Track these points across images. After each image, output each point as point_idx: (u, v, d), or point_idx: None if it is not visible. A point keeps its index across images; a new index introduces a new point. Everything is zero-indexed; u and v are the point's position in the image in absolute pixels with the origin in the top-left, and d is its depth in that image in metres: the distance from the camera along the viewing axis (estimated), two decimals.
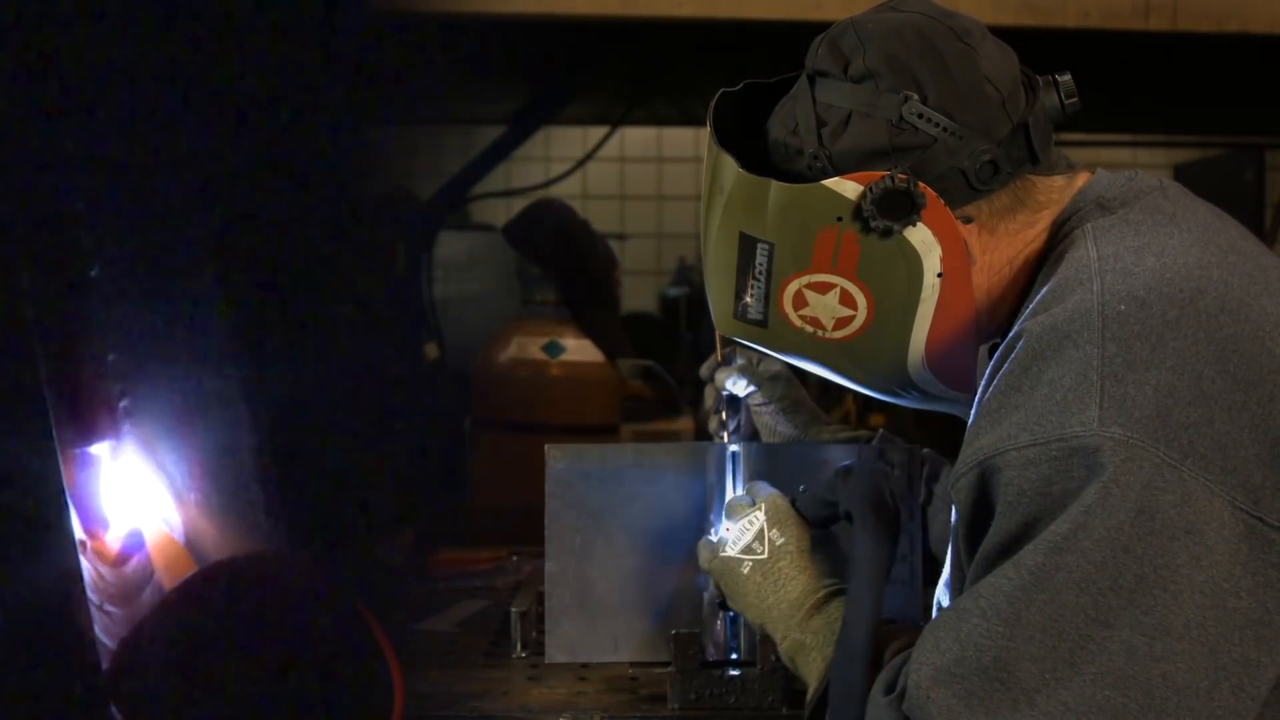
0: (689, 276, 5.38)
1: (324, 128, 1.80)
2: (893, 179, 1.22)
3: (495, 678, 1.74)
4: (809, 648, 1.33)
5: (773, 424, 1.73)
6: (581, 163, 4.43)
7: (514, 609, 1.83)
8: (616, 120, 4.28)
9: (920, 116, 1.23)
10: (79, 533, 1.39)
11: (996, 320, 1.32)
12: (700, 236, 1.37)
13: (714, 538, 1.47)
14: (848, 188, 1.24)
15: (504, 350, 3.40)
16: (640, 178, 6.04)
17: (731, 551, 1.41)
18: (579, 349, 3.38)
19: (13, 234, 1.31)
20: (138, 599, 1.45)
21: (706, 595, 1.58)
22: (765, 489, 1.46)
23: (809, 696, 1.32)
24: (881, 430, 1.73)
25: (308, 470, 1.72)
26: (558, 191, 4.58)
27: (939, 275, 1.26)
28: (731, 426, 1.70)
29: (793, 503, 1.43)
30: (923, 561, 1.63)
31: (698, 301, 4.97)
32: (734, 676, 1.59)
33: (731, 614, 1.57)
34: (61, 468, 1.30)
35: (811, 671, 1.32)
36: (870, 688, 1.20)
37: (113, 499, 1.48)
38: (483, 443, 3.43)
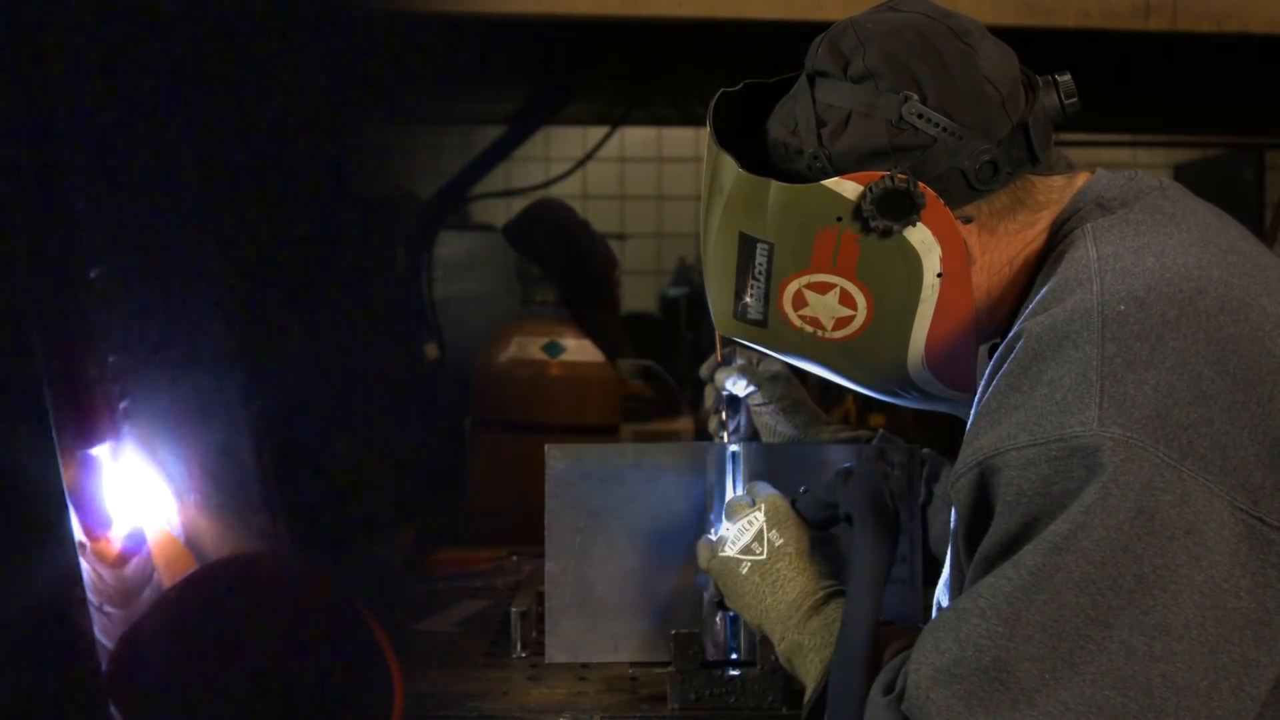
0: (689, 276, 5.38)
1: (324, 128, 1.80)
2: (892, 179, 1.22)
3: (495, 678, 1.74)
4: (807, 649, 1.33)
5: (773, 424, 1.73)
6: (581, 163, 4.43)
7: (514, 609, 1.83)
8: (616, 120, 4.28)
9: (920, 116, 1.23)
10: (79, 534, 1.39)
11: (996, 320, 1.32)
12: (700, 236, 1.37)
13: (713, 537, 1.47)
14: (847, 188, 1.24)
15: (504, 350, 3.40)
16: (640, 178, 6.04)
17: (730, 552, 1.41)
18: (579, 349, 3.38)
19: (13, 235, 1.31)
20: (137, 600, 1.45)
21: (706, 595, 1.58)
22: (765, 489, 1.46)
23: (807, 698, 1.32)
24: (881, 430, 1.73)
25: (308, 470, 1.72)
26: (558, 191, 4.58)
27: (939, 275, 1.26)
28: (731, 426, 1.71)
29: (792, 504, 1.43)
30: (923, 561, 1.63)
31: (698, 301, 4.97)
32: (734, 676, 1.59)
33: (731, 614, 1.57)
34: (61, 469, 1.30)
35: (809, 673, 1.32)
36: (869, 689, 1.20)
37: (113, 500, 1.48)
38: (483, 443, 3.43)
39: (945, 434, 1.47)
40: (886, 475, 1.40)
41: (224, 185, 1.61)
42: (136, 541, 1.49)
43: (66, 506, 1.30)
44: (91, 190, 1.44)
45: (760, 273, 1.30)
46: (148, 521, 1.52)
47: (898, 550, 1.36)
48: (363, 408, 1.95)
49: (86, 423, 1.43)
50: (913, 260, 1.26)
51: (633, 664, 1.68)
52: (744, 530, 1.41)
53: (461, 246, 4.21)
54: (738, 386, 1.71)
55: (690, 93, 3.79)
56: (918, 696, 1.11)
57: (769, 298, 1.31)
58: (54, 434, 1.29)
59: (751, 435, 1.74)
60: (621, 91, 3.88)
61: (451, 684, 1.71)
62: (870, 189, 1.22)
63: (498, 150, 3.75)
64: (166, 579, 1.50)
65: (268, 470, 1.61)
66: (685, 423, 3.86)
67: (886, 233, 1.24)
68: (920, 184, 1.22)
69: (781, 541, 1.40)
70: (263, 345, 1.65)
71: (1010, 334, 1.19)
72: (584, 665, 1.73)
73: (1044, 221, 1.29)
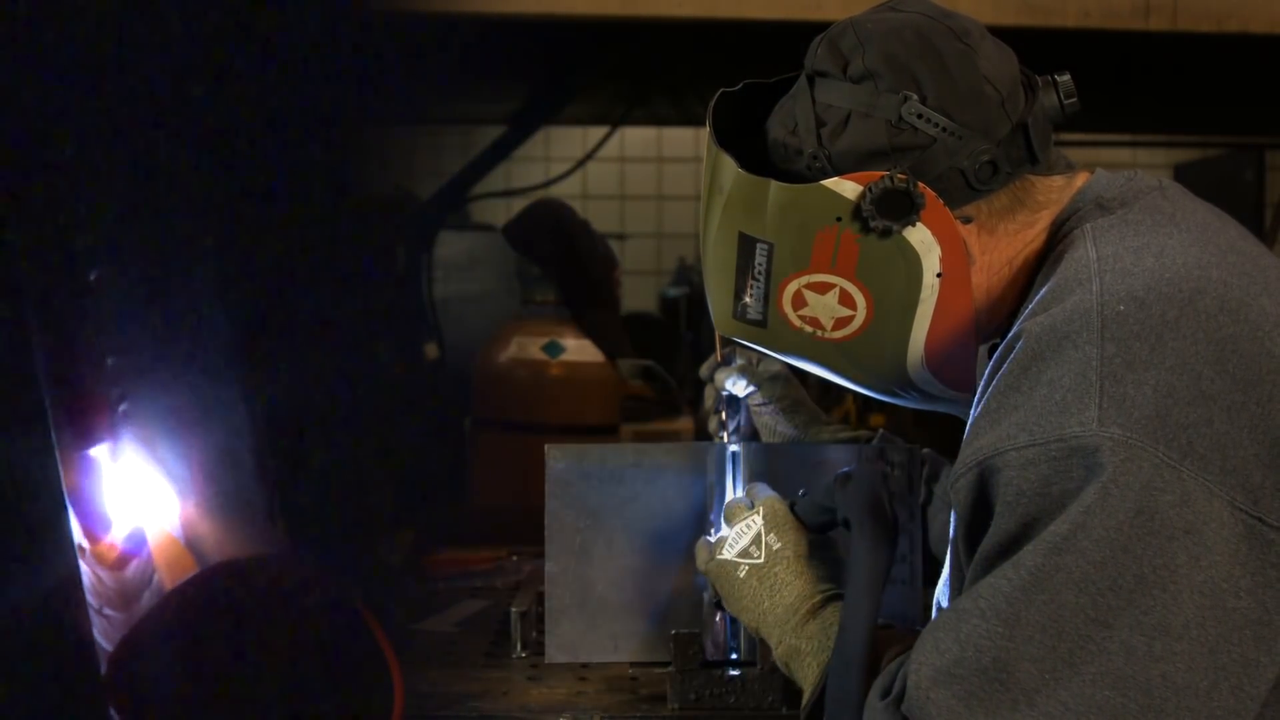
0: (689, 276, 5.38)
1: (324, 128, 1.80)
2: (892, 179, 1.22)
3: (495, 678, 1.74)
4: (804, 653, 1.33)
5: (773, 424, 1.73)
6: (581, 163, 4.43)
7: (514, 609, 1.83)
8: (616, 120, 4.27)
9: (919, 117, 1.23)
10: (79, 537, 1.39)
11: (996, 320, 1.32)
12: (700, 237, 1.37)
13: (712, 538, 1.47)
14: (847, 188, 1.24)
15: (504, 350, 3.40)
16: (640, 178, 6.04)
17: (728, 555, 1.41)
18: (579, 349, 3.38)
19: (13, 237, 1.31)
20: (137, 603, 1.45)
21: (706, 595, 1.58)
22: (764, 492, 1.45)
23: (804, 702, 1.32)
24: (881, 430, 1.73)
25: (308, 470, 1.72)
26: (558, 191, 4.58)
27: (938, 275, 1.26)
28: (731, 426, 1.71)
29: (791, 507, 1.43)
30: (923, 561, 1.63)
31: (698, 301, 4.97)
32: (734, 676, 1.59)
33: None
34: (61, 472, 1.30)
35: (806, 677, 1.32)
36: (867, 693, 1.20)
37: (113, 502, 1.48)
38: (483, 443, 3.43)
39: (945, 434, 1.47)
40: (886, 476, 1.40)
41: (224, 186, 1.61)
42: (136, 543, 1.49)
43: (66, 509, 1.30)
44: (91, 192, 1.44)
45: (760, 273, 1.30)
46: (148, 523, 1.52)
47: (897, 551, 1.36)
48: (363, 408, 1.95)
49: (86, 425, 1.43)
50: (912, 260, 1.26)
51: (633, 664, 1.68)
52: (742, 534, 1.41)
53: (461, 246, 4.21)
54: (738, 386, 1.71)
55: (690, 93, 3.79)
56: (918, 697, 1.11)
57: (768, 298, 1.31)
58: (53, 436, 1.29)
59: (751, 435, 1.74)
60: (621, 91, 3.88)
61: (451, 684, 1.71)
62: (870, 189, 1.23)
63: (498, 150, 3.75)
64: (167, 580, 1.50)
65: (268, 471, 1.61)
66: (685, 423, 3.86)
67: (886, 233, 1.24)
68: (920, 184, 1.22)
69: (779, 545, 1.39)
70: (262, 346, 1.65)
71: (1010, 334, 1.19)
72: (584, 665, 1.73)
73: (1043, 221, 1.29)
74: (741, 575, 1.40)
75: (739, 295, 1.33)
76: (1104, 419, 1.07)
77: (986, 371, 1.21)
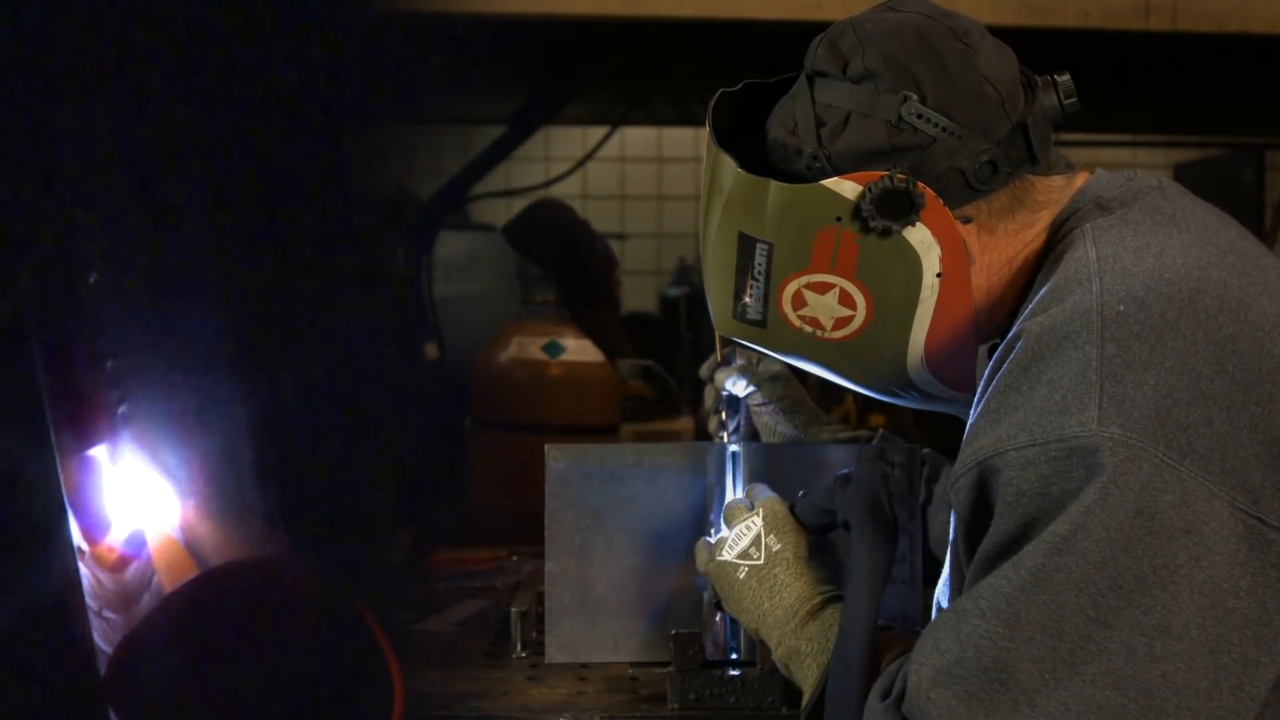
0: (689, 276, 5.38)
1: (324, 128, 1.79)
2: (892, 179, 1.22)
3: (495, 678, 1.74)
4: (803, 654, 1.33)
5: (773, 424, 1.73)
6: (581, 163, 4.43)
7: (514, 609, 1.83)
8: (616, 120, 4.27)
9: (919, 116, 1.23)
10: (78, 539, 1.39)
11: (996, 320, 1.32)
12: (699, 237, 1.37)
13: (712, 539, 1.47)
14: (847, 188, 1.24)
15: (504, 350, 3.40)
16: (640, 178, 6.04)
17: (728, 556, 1.41)
18: (579, 349, 3.38)
19: (12, 239, 1.31)
20: (137, 605, 1.45)
21: (706, 595, 1.58)
22: (764, 493, 1.45)
23: (804, 703, 1.32)
24: (881, 430, 1.73)
25: (308, 470, 1.72)
26: (558, 191, 4.58)
27: (938, 275, 1.26)
28: (731, 426, 1.71)
29: (791, 508, 1.43)
30: (923, 561, 1.63)
31: (698, 301, 4.97)
32: (734, 676, 1.59)
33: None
34: (60, 474, 1.30)
35: (806, 679, 1.32)
36: (867, 695, 1.20)
37: (112, 504, 1.48)
38: (483, 443, 3.43)
39: (945, 434, 1.47)
40: (886, 476, 1.40)
41: (223, 187, 1.61)
42: (136, 546, 1.49)
43: (65, 511, 1.30)
44: (90, 194, 1.44)
45: (759, 273, 1.30)
46: (148, 525, 1.52)
47: (897, 551, 1.36)
48: (362, 408, 1.95)
49: (85, 427, 1.43)
50: (912, 260, 1.26)
51: (633, 664, 1.68)
52: (742, 535, 1.41)
53: (461, 246, 4.21)
54: (738, 386, 1.71)
55: (690, 93, 3.79)
56: (918, 697, 1.11)
57: (768, 298, 1.31)
58: (53, 438, 1.29)
59: (751, 435, 1.74)
60: (621, 91, 3.88)
61: (451, 684, 1.71)
62: (869, 189, 1.22)
63: (498, 150, 3.75)
64: (167, 582, 1.50)
65: (267, 472, 1.61)
66: (685, 423, 3.85)
67: (886, 233, 1.24)
68: (919, 184, 1.22)
69: (779, 547, 1.39)
70: (262, 347, 1.65)
71: (1010, 334, 1.19)
72: (584, 665, 1.73)
73: (1043, 222, 1.29)
74: (741, 576, 1.40)
75: (739, 295, 1.33)
76: (1104, 419, 1.07)
77: (986, 371, 1.21)
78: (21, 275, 1.32)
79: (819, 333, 1.32)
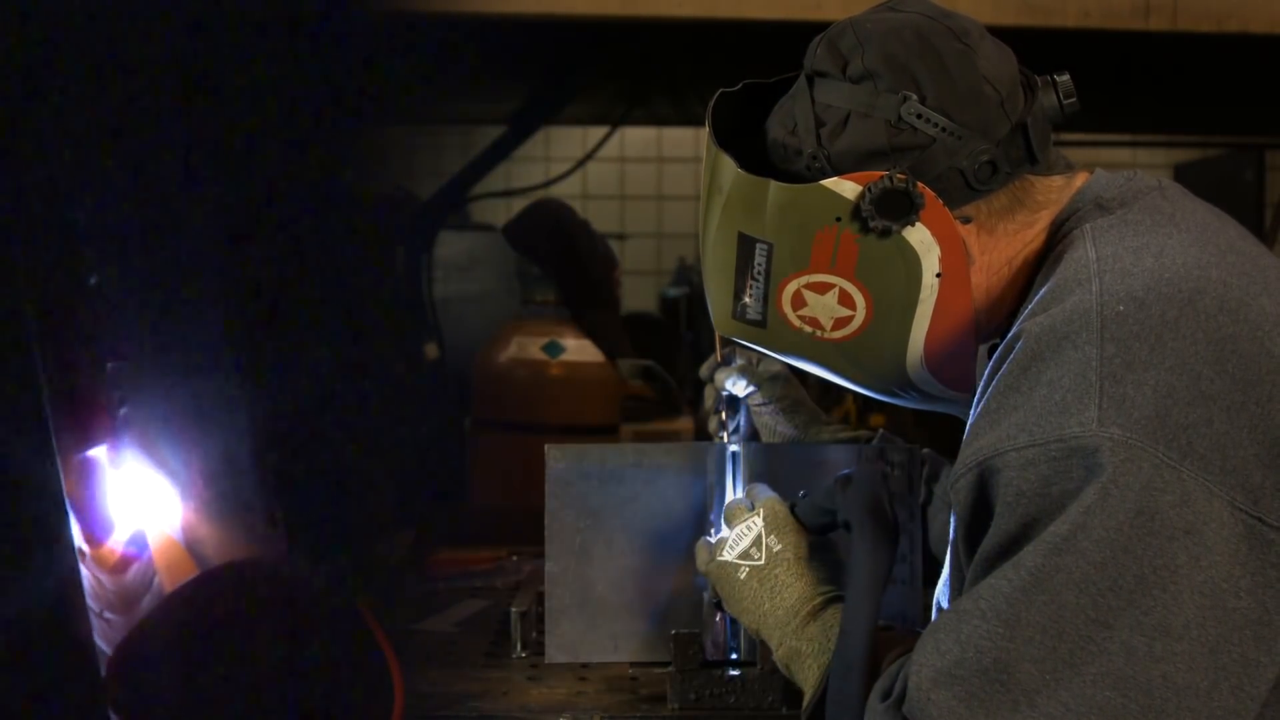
0: (689, 276, 5.38)
1: (324, 128, 1.79)
2: (891, 179, 1.22)
3: (495, 678, 1.74)
4: (804, 655, 1.33)
5: (773, 424, 1.73)
6: (581, 163, 4.43)
7: (514, 609, 1.83)
8: (616, 120, 4.28)
9: (919, 117, 1.23)
10: (79, 541, 1.39)
11: (995, 320, 1.32)
12: (699, 237, 1.37)
13: (712, 539, 1.47)
14: (846, 188, 1.24)
15: (504, 350, 3.40)
16: (640, 178, 6.04)
17: (729, 556, 1.41)
18: (579, 349, 3.38)
19: (13, 241, 1.31)
20: (137, 606, 1.45)
21: (706, 595, 1.58)
22: (765, 493, 1.45)
23: (805, 704, 1.32)
24: (881, 430, 1.73)
25: (308, 471, 1.72)
26: (558, 191, 4.58)
27: (938, 275, 1.26)
28: (731, 427, 1.70)
29: (792, 508, 1.43)
30: (923, 561, 1.63)
31: (698, 301, 4.97)
32: (734, 676, 1.59)
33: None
34: (61, 476, 1.30)
35: (807, 679, 1.32)
36: (868, 695, 1.20)
37: (113, 506, 1.48)
38: (483, 443, 3.43)
39: (945, 434, 1.47)
40: (886, 476, 1.40)
41: (223, 188, 1.61)
42: (137, 547, 1.49)
43: (66, 513, 1.30)
44: (90, 195, 1.44)
45: (759, 273, 1.30)
46: (149, 526, 1.52)
47: (897, 552, 1.36)
48: (362, 408, 1.95)
49: (86, 429, 1.43)
50: (911, 260, 1.26)
51: (633, 664, 1.68)
52: (743, 535, 1.41)
53: (461, 246, 4.21)
54: (738, 386, 1.71)
55: (690, 93, 3.79)
56: (919, 698, 1.11)
57: (768, 298, 1.31)
58: (53, 440, 1.29)
59: (751, 435, 1.74)
60: (621, 91, 3.88)
61: (451, 684, 1.71)
62: (869, 189, 1.23)
63: (498, 150, 3.75)
64: (168, 583, 1.50)
65: (268, 474, 1.61)
66: (685, 423, 3.86)
67: (885, 233, 1.24)
68: (919, 184, 1.22)
69: (780, 547, 1.39)
70: (262, 348, 1.65)
71: (1009, 334, 1.19)
72: (584, 665, 1.73)
73: (1043, 222, 1.29)
74: (742, 577, 1.40)
75: (738, 295, 1.33)
76: (1104, 419, 1.07)
77: (986, 371, 1.21)
78: (22, 277, 1.32)
79: (819, 333, 1.32)
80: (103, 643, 1.35)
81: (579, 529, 1.61)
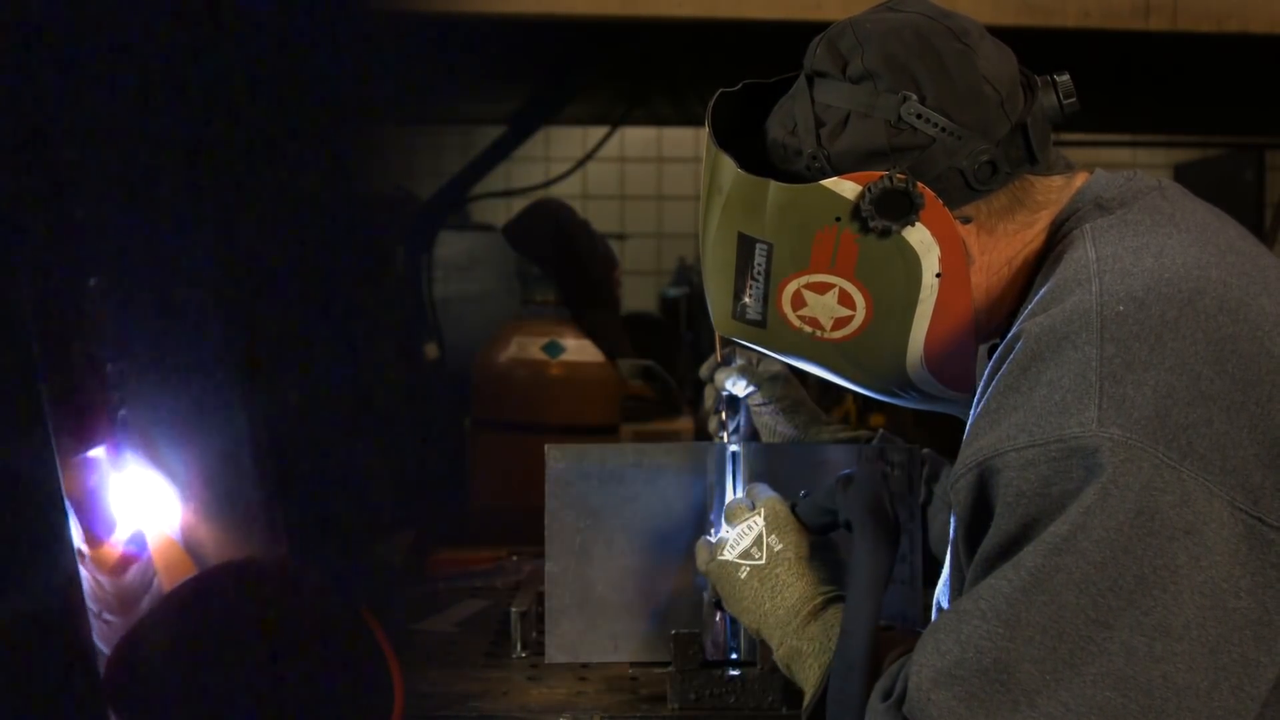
0: (689, 276, 5.38)
1: (324, 128, 1.79)
2: (891, 179, 1.22)
3: (495, 678, 1.74)
4: (805, 654, 1.33)
5: (773, 424, 1.73)
6: (581, 163, 4.43)
7: (514, 609, 1.83)
8: (616, 120, 4.28)
9: (919, 117, 1.23)
10: (78, 542, 1.39)
11: (995, 320, 1.32)
12: (699, 237, 1.37)
13: (713, 538, 1.47)
14: (846, 188, 1.24)
15: (504, 350, 3.40)
16: (640, 178, 6.04)
17: (729, 556, 1.41)
18: (579, 349, 3.38)
19: (13, 241, 1.31)
20: (137, 607, 1.45)
21: (706, 595, 1.57)
22: (765, 492, 1.45)
23: (805, 703, 1.32)
24: (881, 430, 1.73)
25: (307, 471, 1.72)
26: (558, 191, 4.58)
27: (937, 275, 1.26)
28: (731, 427, 1.71)
29: (792, 508, 1.43)
30: (923, 561, 1.63)
31: (698, 301, 4.97)
32: (734, 676, 1.59)
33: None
34: (60, 477, 1.30)
35: (808, 679, 1.32)
36: (868, 695, 1.20)
37: (113, 507, 1.48)
38: (483, 443, 3.43)
39: (945, 434, 1.47)
40: (886, 476, 1.40)
41: (222, 189, 1.61)
42: (137, 547, 1.49)
43: (66, 514, 1.30)
44: (90, 196, 1.44)
45: (759, 273, 1.30)
46: (148, 527, 1.52)
47: (898, 552, 1.36)
48: (362, 408, 1.95)
49: (86, 430, 1.43)
50: (911, 260, 1.26)
51: (633, 664, 1.68)
52: (743, 535, 1.41)
53: (461, 246, 4.21)
54: (738, 386, 1.71)
55: (690, 93, 3.80)
56: (919, 698, 1.11)
57: (768, 298, 1.31)
58: (52, 441, 1.29)
59: (751, 435, 1.74)
60: (621, 91, 3.89)
61: (451, 684, 1.71)
62: (869, 189, 1.23)
63: (498, 150, 3.75)
64: (167, 584, 1.50)
65: (268, 475, 1.61)
66: (685, 423, 3.86)
67: (885, 233, 1.24)
68: (919, 184, 1.22)
69: (781, 547, 1.39)
70: (262, 349, 1.65)
71: (1009, 334, 1.19)
72: (584, 665, 1.73)
73: (1043, 222, 1.29)
74: (743, 576, 1.40)
75: (738, 295, 1.33)
76: (1104, 419, 1.07)
77: (986, 372, 1.21)
78: (22, 278, 1.32)
79: (818, 333, 1.32)
80: (102, 644, 1.35)
81: (579, 529, 1.61)
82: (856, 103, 1.25)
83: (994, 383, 1.16)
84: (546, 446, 1.62)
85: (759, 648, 1.57)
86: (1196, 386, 1.08)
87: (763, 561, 1.39)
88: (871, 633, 1.26)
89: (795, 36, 1.35)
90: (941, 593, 1.40)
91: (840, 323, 1.30)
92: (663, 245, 6.00)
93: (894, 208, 1.23)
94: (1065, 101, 1.29)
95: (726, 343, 1.59)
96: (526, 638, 1.82)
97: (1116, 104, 3.93)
